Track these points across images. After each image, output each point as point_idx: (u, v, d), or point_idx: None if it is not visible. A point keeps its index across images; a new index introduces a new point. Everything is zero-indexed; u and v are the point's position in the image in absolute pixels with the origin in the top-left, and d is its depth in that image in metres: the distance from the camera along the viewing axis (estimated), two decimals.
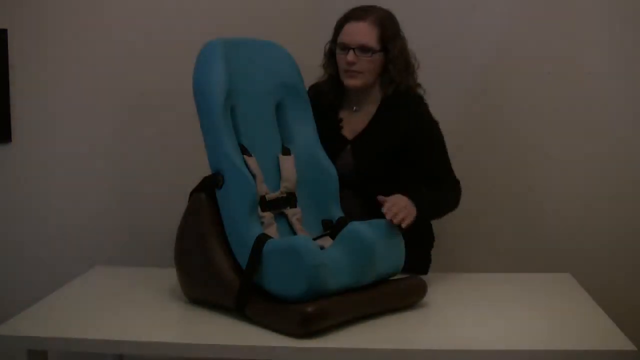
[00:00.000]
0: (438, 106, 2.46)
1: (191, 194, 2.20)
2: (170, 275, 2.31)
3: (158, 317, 2.13)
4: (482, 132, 2.97)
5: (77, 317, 2.12)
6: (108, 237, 2.94)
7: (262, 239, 2.05)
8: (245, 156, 2.17)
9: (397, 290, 2.13)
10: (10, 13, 2.80)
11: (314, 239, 2.16)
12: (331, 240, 2.20)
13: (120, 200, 2.95)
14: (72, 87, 2.88)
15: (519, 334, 1.99)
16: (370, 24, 2.35)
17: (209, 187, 2.15)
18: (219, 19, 2.87)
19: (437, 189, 2.37)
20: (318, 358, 1.91)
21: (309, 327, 1.91)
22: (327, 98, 2.47)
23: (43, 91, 2.87)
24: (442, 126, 2.42)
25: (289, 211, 2.26)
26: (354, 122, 2.45)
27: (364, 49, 2.34)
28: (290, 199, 2.27)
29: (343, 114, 2.47)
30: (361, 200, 2.38)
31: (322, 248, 2.08)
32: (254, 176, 2.14)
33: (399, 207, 2.17)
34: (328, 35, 2.46)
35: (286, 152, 2.32)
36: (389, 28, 2.37)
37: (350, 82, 2.39)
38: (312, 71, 2.50)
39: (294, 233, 2.24)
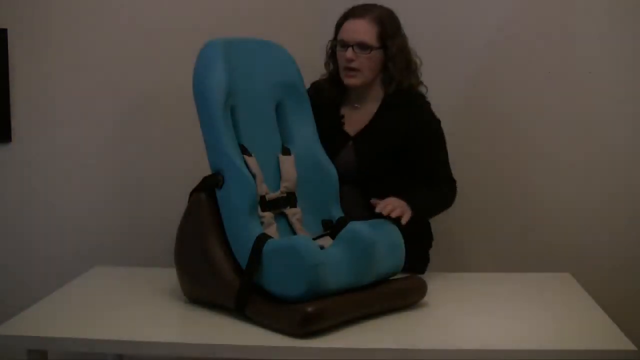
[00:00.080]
0: (437, 106, 2.46)
1: (191, 194, 2.20)
2: (170, 275, 2.30)
3: (158, 317, 2.13)
4: (482, 132, 2.97)
5: (77, 317, 2.12)
6: (108, 237, 2.93)
7: (262, 238, 2.05)
8: (245, 156, 2.17)
9: (397, 290, 2.13)
10: (10, 13, 2.80)
11: (314, 239, 2.16)
12: (331, 240, 2.20)
13: (120, 200, 2.95)
14: (72, 87, 2.88)
15: (519, 334, 1.99)
16: (370, 21, 2.36)
17: (209, 187, 2.15)
18: (219, 19, 2.87)
19: (434, 187, 2.38)
20: (318, 358, 1.91)
21: (309, 327, 1.91)
22: (329, 95, 2.47)
23: (43, 91, 2.86)
24: (441, 125, 2.42)
25: (289, 211, 2.26)
26: (355, 119, 2.45)
27: (362, 46, 2.35)
28: (290, 199, 2.28)
29: (344, 111, 2.48)
30: (362, 196, 2.38)
31: (322, 248, 2.08)
32: (254, 176, 2.14)
33: (393, 205, 2.20)
34: (328, 35, 2.47)
35: (286, 152, 2.32)
36: (388, 26, 2.37)
37: (349, 81, 2.39)
38: (313, 71, 2.51)
39: (294, 233, 2.24)
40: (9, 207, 2.90)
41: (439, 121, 2.43)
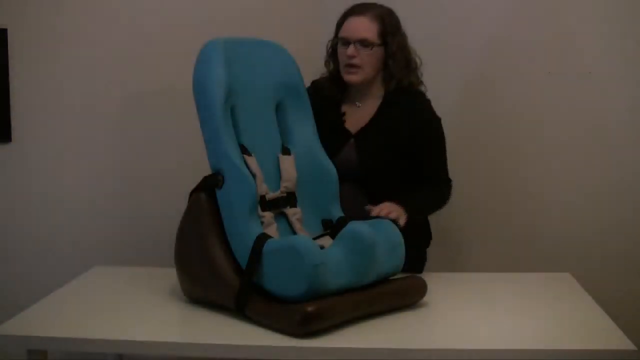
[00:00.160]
0: (437, 105, 2.46)
1: (191, 194, 2.20)
2: (170, 275, 2.30)
3: (158, 317, 2.13)
4: (482, 132, 2.97)
5: (77, 317, 2.11)
6: (108, 237, 2.94)
7: (262, 238, 2.05)
8: (245, 156, 2.17)
9: (397, 290, 2.13)
10: (10, 13, 2.80)
11: (314, 239, 2.16)
12: (331, 240, 2.20)
13: (120, 200, 2.95)
14: (72, 87, 2.88)
15: (519, 334, 1.99)
16: (371, 18, 2.37)
17: (209, 187, 2.15)
18: (219, 19, 2.87)
19: (432, 186, 2.40)
20: (318, 358, 1.91)
21: (309, 327, 1.91)
22: (329, 93, 2.48)
23: (43, 91, 2.86)
24: (441, 124, 2.43)
25: (289, 211, 2.26)
26: (356, 117, 2.45)
27: (364, 42, 2.36)
28: (290, 199, 2.28)
29: (345, 108, 2.48)
30: (362, 195, 2.38)
31: (322, 248, 2.08)
32: (254, 176, 2.14)
33: (389, 209, 2.22)
34: (328, 35, 2.47)
35: (286, 151, 2.32)
36: (389, 23, 2.39)
37: (349, 77, 2.40)
38: (313, 71, 2.51)
39: (294, 233, 2.24)
40: (8, 207, 2.90)
41: (439, 119, 2.43)
